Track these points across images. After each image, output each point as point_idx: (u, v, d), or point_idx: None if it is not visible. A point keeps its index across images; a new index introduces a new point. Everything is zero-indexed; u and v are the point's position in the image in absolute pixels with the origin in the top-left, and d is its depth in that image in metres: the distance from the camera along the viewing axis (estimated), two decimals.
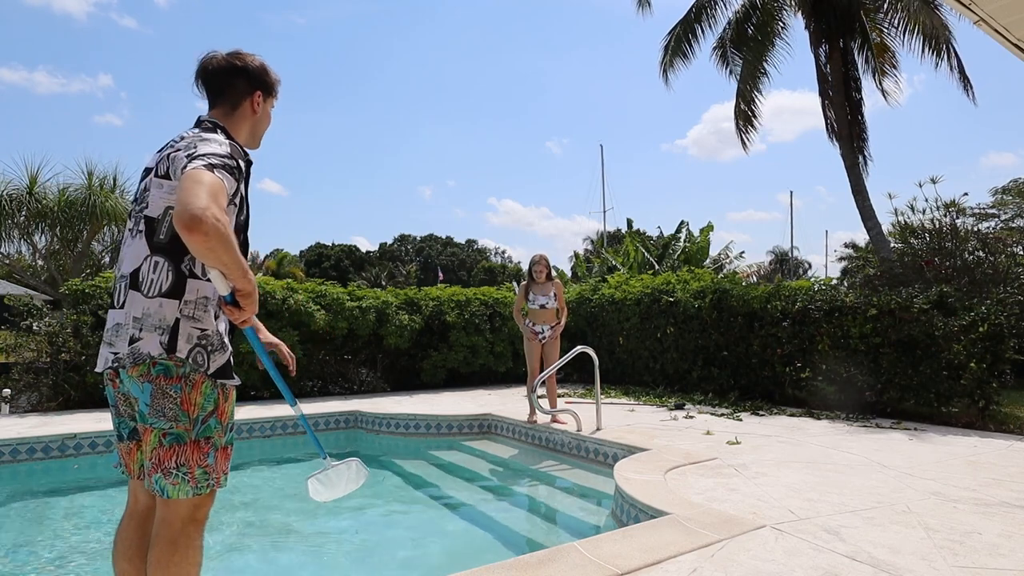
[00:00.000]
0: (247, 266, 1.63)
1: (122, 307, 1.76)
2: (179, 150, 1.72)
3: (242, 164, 1.76)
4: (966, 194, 11.12)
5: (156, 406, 1.69)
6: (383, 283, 50.74)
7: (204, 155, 1.64)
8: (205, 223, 1.46)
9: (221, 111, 1.93)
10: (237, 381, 1.85)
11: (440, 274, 45.92)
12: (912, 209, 8.97)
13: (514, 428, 6.14)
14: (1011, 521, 2.99)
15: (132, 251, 1.77)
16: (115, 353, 1.74)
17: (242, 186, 1.78)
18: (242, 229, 1.85)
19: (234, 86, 1.93)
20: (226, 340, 1.82)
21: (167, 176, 1.73)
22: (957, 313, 5.87)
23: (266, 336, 2.17)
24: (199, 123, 1.90)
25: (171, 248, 1.72)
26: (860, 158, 12.92)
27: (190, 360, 1.71)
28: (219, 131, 1.84)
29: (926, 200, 8.78)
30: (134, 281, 1.74)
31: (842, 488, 3.58)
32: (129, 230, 1.82)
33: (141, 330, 1.70)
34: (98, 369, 1.83)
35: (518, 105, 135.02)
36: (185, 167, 1.60)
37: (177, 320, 1.71)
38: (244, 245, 1.89)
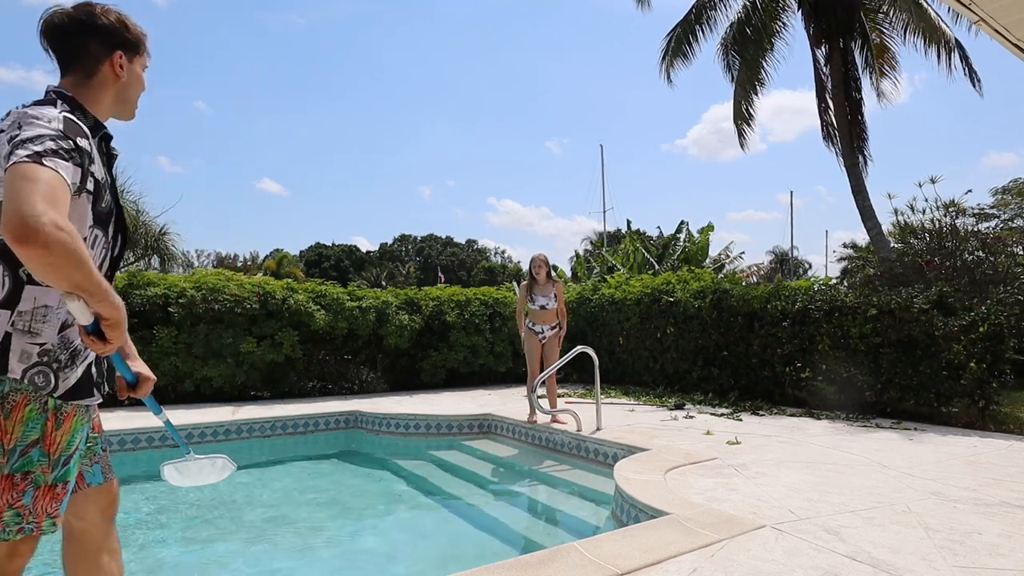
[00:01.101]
0: (108, 285, 1.32)
1: None
2: (2, 132, 1.38)
3: (83, 142, 1.43)
4: (969, 191, 11.15)
5: None
6: (383, 283, 50.79)
7: (29, 141, 1.32)
8: (41, 233, 1.18)
9: (73, 79, 1.57)
10: (97, 399, 1.58)
11: (441, 275, 45.90)
12: (912, 209, 8.97)
13: (514, 428, 6.14)
14: (1011, 521, 2.99)
15: None
16: None
17: (95, 168, 1.48)
18: (104, 219, 1.54)
19: (86, 48, 1.57)
20: (79, 351, 1.51)
21: None
22: (957, 313, 5.87)
23: (138, 365, 1.81)
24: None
25: (7, 250, 1.38)
26: (860, 158, 12.93)
27: (26, 381, 1.40)
28: (59, 103, 1.48)
29: (926, 200, 8.79)
30: None
31: (842, 488, 3.58)
32: None
33: None
34: None
35: (518, 105, 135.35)
36: (9, 156, 1.30)
37: (8, 335, 1.40)
38: (116, 240, 1.62)
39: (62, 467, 1.47)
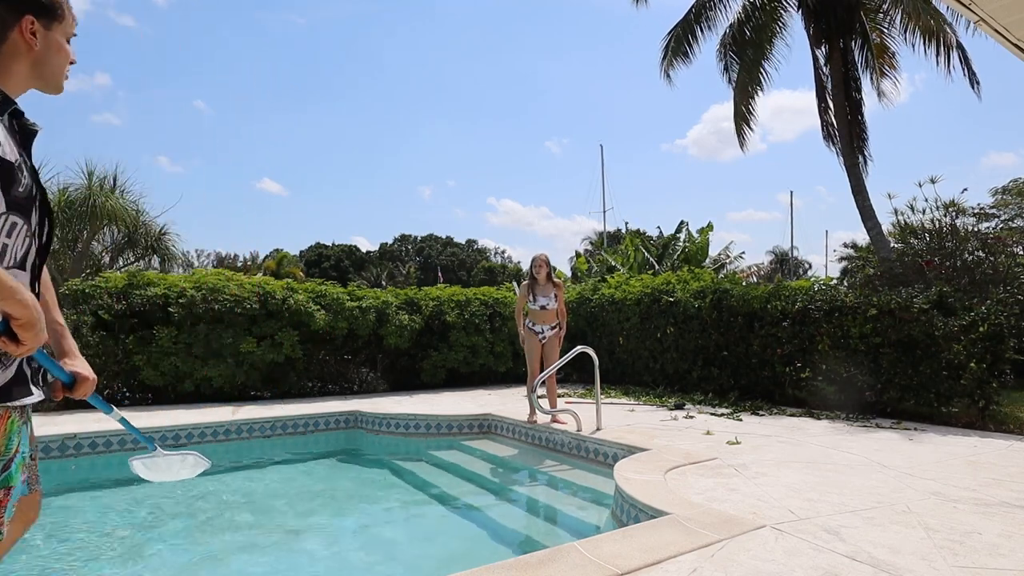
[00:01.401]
0: (14, 281, 1.19)
1: None
2: None
3: None
4: (965, 189, 11.15)
5: None
6: (383, 283, 50.81)
7: None
8: None
9: None
10: (35, 397, 1.46)
11: (440, 275, 45.91)
12: (912, 209, 8.97)
13: (514, 428, 6.15)
14: (1011, 521, 3.00)
15: None
16: None
17: (2, 148, 1.32)
18: (24, 205, 1.37)
19: None
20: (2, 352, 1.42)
21: None
22: (957, 313, 5.87)
23: (77, 364, 1.66)
24: None
25: None
26: (860, 158, 12.94)
27: None
28: None
29: (926, 200, 8.79)
30: None
31: (842, 488, 3.58)
32: None
33: None
34: None
35: (518, 105, 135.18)
36: None
37: None
38: (43, 226, 1.47)
39: (2, 472, 1.39)
